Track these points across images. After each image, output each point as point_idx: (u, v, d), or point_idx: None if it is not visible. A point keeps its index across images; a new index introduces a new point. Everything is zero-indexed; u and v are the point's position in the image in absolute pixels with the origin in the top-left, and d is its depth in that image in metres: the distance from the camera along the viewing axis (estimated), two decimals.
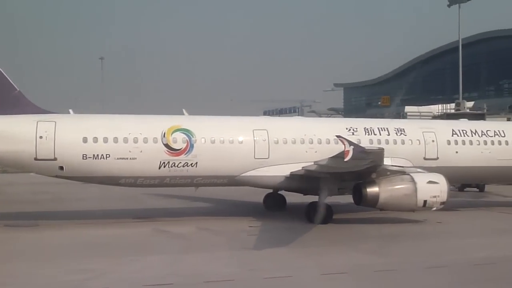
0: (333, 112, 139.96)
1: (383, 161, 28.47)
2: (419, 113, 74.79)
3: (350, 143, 26.05)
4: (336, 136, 28.66)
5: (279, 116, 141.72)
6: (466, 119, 43.62)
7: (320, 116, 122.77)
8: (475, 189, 51.05)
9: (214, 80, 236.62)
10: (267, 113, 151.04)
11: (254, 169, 32.60)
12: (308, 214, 32.06)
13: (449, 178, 36.71)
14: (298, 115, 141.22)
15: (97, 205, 41.06)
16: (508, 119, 57.19)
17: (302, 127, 34.39)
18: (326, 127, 35.02)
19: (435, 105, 79.34)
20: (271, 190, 36.89)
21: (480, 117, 55.04)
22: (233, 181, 32.93)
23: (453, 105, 72.40)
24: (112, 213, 36.87)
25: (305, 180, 32.34)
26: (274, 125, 34.19)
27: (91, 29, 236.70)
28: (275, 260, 22.07)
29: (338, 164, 27.90)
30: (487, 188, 51.27)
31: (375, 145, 32.60)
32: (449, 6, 77.59)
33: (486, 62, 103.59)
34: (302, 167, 31.36)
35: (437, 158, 35.45)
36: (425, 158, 35.22)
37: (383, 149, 27.29)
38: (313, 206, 32.31)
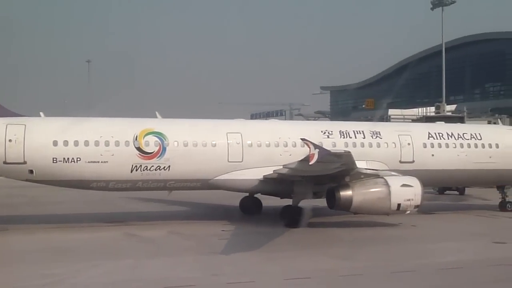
0: (320, 115, 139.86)
1: (354, 164, 28.27)
2: (402, 116, 74.72)
3: (315, 146, 25.80)
4: (301, 139, 28.34)
5: (265, 119, 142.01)
6: (443, 122, 43.56)
7: (308, 119, 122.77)
8: (456, 192, 50.92)
9: (204, 83, 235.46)
10: (254, 116, 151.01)
11: (227, 173, 32.29)
12: (283, 217, 31.82)
13: (425, 181, 36.56)
14: (285, 119, 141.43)
15: (72, 209, 40.72)
16: (489, 122, 57.12)
17: (277, 130, 34.11)
18: (301, 130, 34.74)
19: (419, 108, 79.29)
20: (247, 194, 36.55)
21: (459, 120, 55.02)
22: (206, 184, 32.60)
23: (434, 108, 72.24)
24: (86, 217, 36.38)
25: (279, 184, 32.06)
26: (248, 128, 33.88)
27: (76, 31, 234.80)
28: (240, 265, 21.76)
29: (306, 168, 27.61)
30: (468, 191, 51.14)
31: (341, 148, 32.02)
32: (432, 9, 77.62)
33: (472, 65, 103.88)
34: (274, 171, 31.08)
35: (413, 161, 35.27)
36: (400, 161, 35.03)
37: (350, 152, 26.98)
38: (287, 209, 32.14)
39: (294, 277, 19.66)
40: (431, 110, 72.29)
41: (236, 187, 32.87)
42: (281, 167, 30.71)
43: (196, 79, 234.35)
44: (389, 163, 34.57)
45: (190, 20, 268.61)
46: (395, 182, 30.25)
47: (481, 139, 37.09)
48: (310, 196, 31.77)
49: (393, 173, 31.77)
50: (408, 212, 30.71)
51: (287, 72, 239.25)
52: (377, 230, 30.71)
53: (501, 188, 39.46)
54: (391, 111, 77.27)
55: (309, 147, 25.46)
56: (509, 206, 38.95)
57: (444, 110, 66.18)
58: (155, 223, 33.74)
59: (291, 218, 31.28)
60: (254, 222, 33.43)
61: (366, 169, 31.24)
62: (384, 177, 30.55)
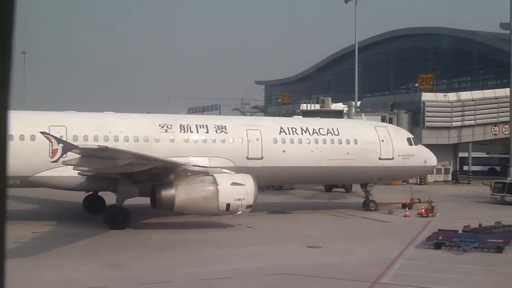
0: (257, 110, 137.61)
1: (152, 161, 26.18)
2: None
3: (59, 140, 23.34)
4: (41, 132, 25.69)
5: (201, 113, 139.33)
6: (300, 116, 41.65)
7: (244, 115, 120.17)
8: (342, 189, 49.26)
9: (153, 77, 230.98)
10: (191, 110, 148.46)
11: (50, 169, 29.58)
12: (105, 218, 29.42)
13: (276, 178, 34.98)
14: (220, 113, 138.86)
15: None
16: (383, 117, 55.53)
17: (108, 124, 31.50)
18: (137, 123, 32.31)
19: (338, 103, 77.29)
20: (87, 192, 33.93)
21: (338, 114, 53.25)
22: (26, 182, 29.81)
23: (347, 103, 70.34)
24: None
25: (103, 181, 29.64)
26: (76, 122, 31.14)
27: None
28: None
29: (90, 165, 25.27)
30: (355, 188, 49.37)
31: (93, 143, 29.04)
32: (346, 2, 75.66)
33: (395, 60, 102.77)
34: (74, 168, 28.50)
35: (262, 158, 33.17)
36: (248, 158, 32.90)
37: (106, 147, 24.55)
38: (110, 209, 29.78)
39: None
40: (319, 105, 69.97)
41: (60, 184, 30.23)
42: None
43: (144, 72, 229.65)
44: (235, 159, 32.44)
45: (138, 13, 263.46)
46: (224, 180, 28.23)
47: (338, 134, 35.18)
48: (135, 194, 29.60)
49: (225, 170, 29.67)
50: (240, 212, 28.80)
51: (240, 67, 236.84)
52: (201, 232, 28.33)
53: (364, 186, 37.74)
54: (303, 106, 75.36)
55: (51, 142, 22.98)
56: (372, 206, 37.26)
57: (329, 105, 64.30)
58: None
59: (112, 218, 28.94)
60: (83, 222, 30.74)
61: (193, 166, 29.02)
62: (214, 174, 28.43)
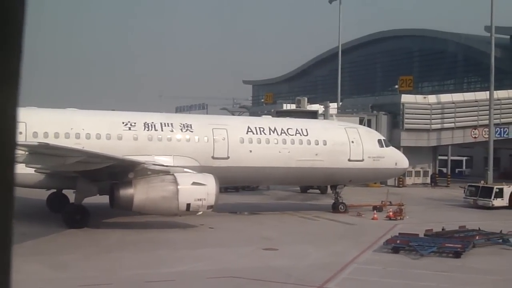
0: (245, 110, 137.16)
1: (105, 159, 25.70)
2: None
3: None
4: None
5: (189, 112, 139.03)
6: (269, 116, 41.13)
7: (233, 114, 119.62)
8: (317, 190, 48.73)
9: (146, 76, 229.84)
10: (179, 109, 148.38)
11: None
12: (63, 216, 28.86)
13: (242, 179, 34.46)
14: (207, 112, 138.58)
15: None
16: (362, 119, 55.07)
17: (70, 121, 30.91)
18: (99, 121, 31.76)
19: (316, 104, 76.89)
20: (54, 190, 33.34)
21: (313, 115, 52.64)
22: None
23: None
24: None
25: (62, 179, 29.11)
26: (36, 118, 30.50)
27: None
28: None
29: (40, 163, 24.73)
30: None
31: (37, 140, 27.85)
32: (330, 2, 75.29)
33: (383, 62, 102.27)
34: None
35: (228, 157, 32.65)
36: (213, 157, 32.37)
37: (46, 143, 24.06)
38: (69, 208, 29.20)
39: None
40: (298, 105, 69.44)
41: (18, 182, 29.26)
42: None
43: (136, 71, 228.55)
44: (200, 159, 31.91)
45: (133, 12, 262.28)
46: (185, 180, 27.73)
47: (307, 135, 34.69)
48: (94, 193, 29.07)
49: (186, 170, 29.16)
50: (200, 213, 28.39)
51: (235, 67, 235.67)
52: (159, 232, 27.78)
53: (334, 188, 37.28)
54: (284, 106, 74.70)
55: None
56: (342, 208, 36.78)
57: (305, 105, 63.61)
58: None
59: (71, 217, 28.37)
60: (43, 220, 30.01)
61: (154, 164, 28.48)
62: (174, 174, 27.93)
